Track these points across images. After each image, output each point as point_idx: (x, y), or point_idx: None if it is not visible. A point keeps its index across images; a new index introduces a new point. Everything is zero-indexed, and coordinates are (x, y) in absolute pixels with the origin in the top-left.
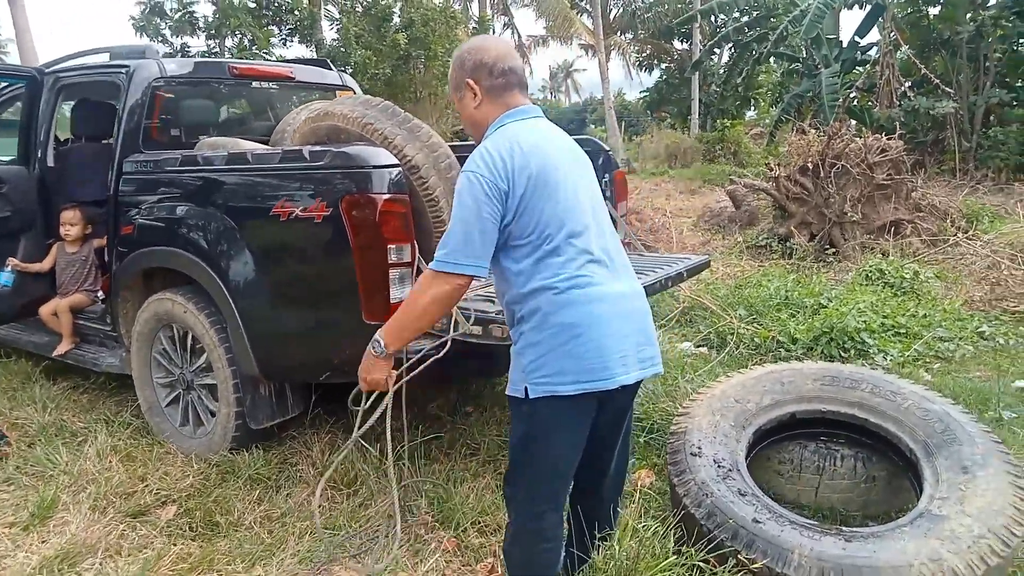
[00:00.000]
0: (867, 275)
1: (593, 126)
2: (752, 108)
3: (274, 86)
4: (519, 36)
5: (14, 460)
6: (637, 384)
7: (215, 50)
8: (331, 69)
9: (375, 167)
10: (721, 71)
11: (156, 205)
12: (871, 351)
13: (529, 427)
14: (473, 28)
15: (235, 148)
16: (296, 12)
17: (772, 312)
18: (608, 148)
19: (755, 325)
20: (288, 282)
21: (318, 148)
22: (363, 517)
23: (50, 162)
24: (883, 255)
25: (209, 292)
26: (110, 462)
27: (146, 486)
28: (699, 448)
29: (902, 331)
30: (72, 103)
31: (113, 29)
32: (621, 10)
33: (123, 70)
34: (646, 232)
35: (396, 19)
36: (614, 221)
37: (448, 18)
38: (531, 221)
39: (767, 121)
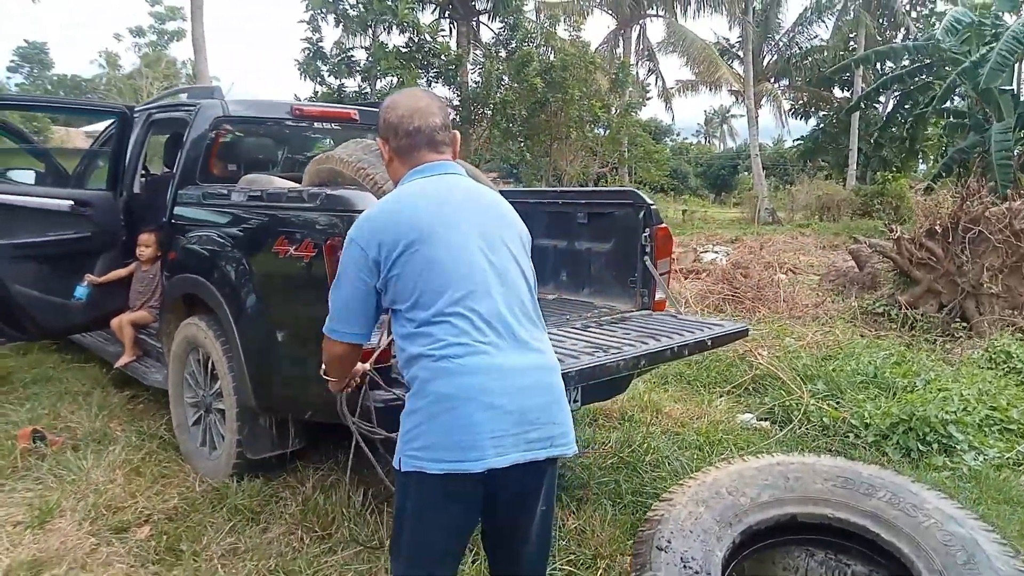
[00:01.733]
0: (991, 357)
1: (747, 173)
2: (922, 162)
3: (337, 127)
4: (663, 82)
5: (50, 461)
6: (542, 464)
7: (366, 91)
8: None
9: (359, 211)
10: (883, 120)
11: (193, 234)
12: (959, 447)
13: (402, 500)
14: (614, 74)
15: (264, 185)
16: (443, 56)
17: (854, 390)
18: (651, 202)
19: (829, 403)
20: (280, 318)
21: (314, 190)
22: (325, 565)
23: (136, 189)
24: None
25: (221, 321)
26: (116, 474)
27: (135, 502)
28: (668, 542)
29: (1012, 427)
30: (161, 137)
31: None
32: (775, 56)
33: (193, 108)
34: (752, 288)
35: (536, 63)
36: (651, 279)
37: (587, 63)
38: (408, 284)
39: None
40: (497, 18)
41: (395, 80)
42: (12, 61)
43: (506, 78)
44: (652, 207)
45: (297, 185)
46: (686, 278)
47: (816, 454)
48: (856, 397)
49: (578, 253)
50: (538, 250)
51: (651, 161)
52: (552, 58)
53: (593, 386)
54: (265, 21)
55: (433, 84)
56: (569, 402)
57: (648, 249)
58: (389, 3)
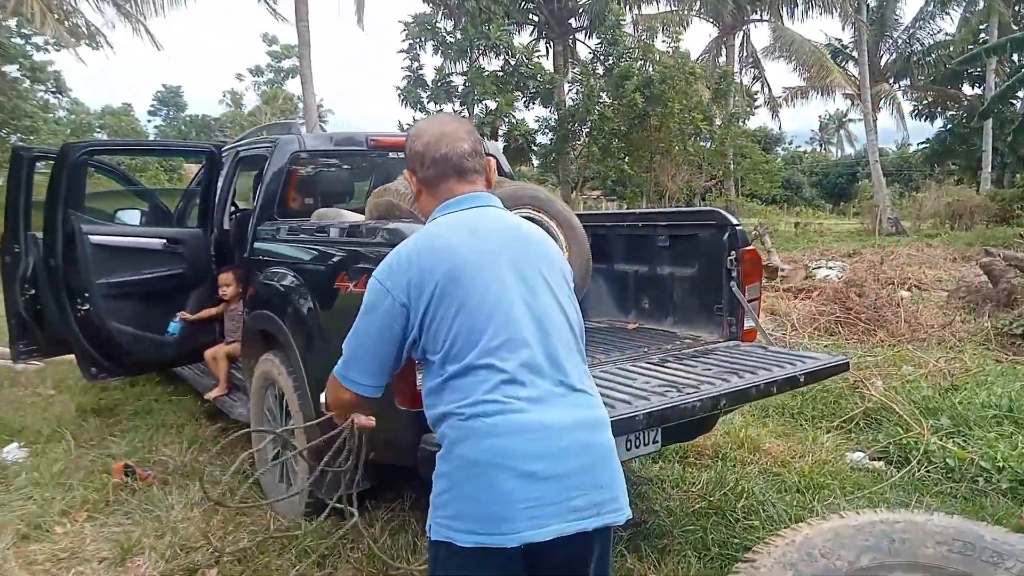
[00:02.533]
0: None
1: (867, 180)
2: None
3: None
4: (769, 89)
5: (140, 496)
6: (590, 534)
7: (463, 114)
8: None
9: None
10: (1020, 117)
11: (267, 270)
12: None
13: (433, 569)
14: (715, 84)
15: (332, 219)
16: (538, 77)
17: (985, 427)
18: (736, 222)
19: (955, 442)
20: None
21: (372, 224)
22: None
23: (226, 226)
24: None
25: (290, 357)
26: (194, 512)
27: (207, 542)
28: None
29: None
30: (249, 174)
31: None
32: (894, 55)
33: (271, 144)
34: (868, 309)
35: (635, 77)
36: (739, 306)
37: (687, 74)
38: (441, 333)
39: None
40: (594, 35)
41: (492, 104)
42: (152, 105)
43: (604, 95)
44: (738, 227)
45: (361, 218)
46: (796, 298)
47: (929, 509)
48: (987, 435)
49: (660, 279)
50: (618, 276)
51: (761, 172)
52: (651, 71)
53: (676, 426)
54: (379, 49)
55: (530, 105)
56: (648, 443)
57: (735, 273)
58: (483, 28)
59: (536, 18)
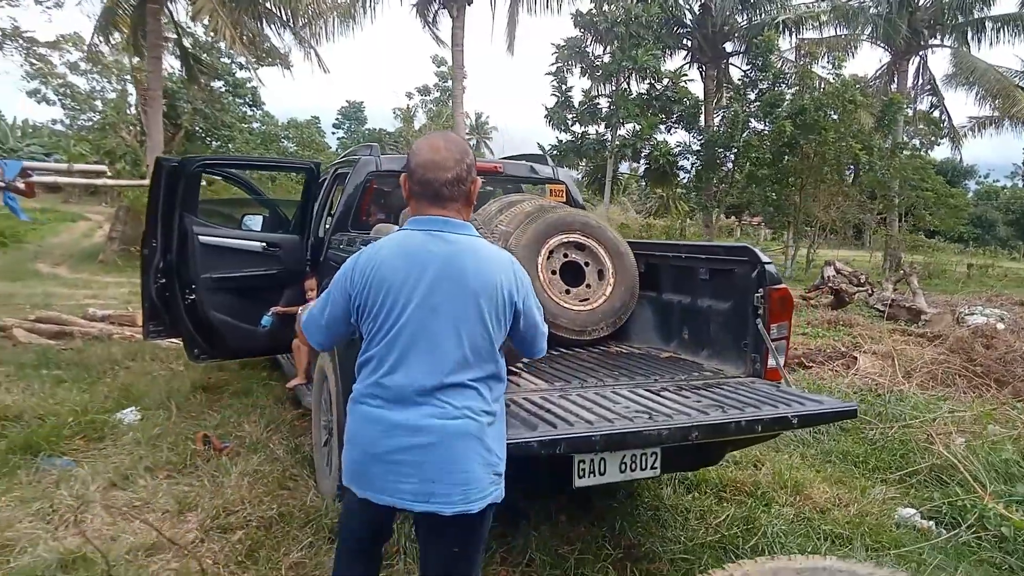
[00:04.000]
0: None
1: None
2: None
3: (482, 179)
4: (949, 118)
5: (213, 463)
6: (441, 519)
7: (605, 137)
8: (547, 164)
9: None
10: None
11: (330, 276)
12: None
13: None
14: (880, 112)
15: (383, 232)
16: (684, 102)
17: None
18: (766, 260)
19: (1021, 511)
20: None
21: None
22: None
23: (320, 234)
24: None
25: (336, 354)
26: (243, 481)
27: (244, 508)
28: None
29: None
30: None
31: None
32: None
33: (353, 162)
34: (995, 362)
35: (787, 104)
36: (761, 340)
37: (845, 102)
38: (363, 325)
39: None
40: (748, 59)
41: (635, 126)
42: (336, 119)
43: (753, 121)
44: (767, 265)
45: None
46: (930, 344)
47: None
48: None
49: (700, 311)
50: (664, 305)
51: (946, 207)
52: (805, 99)
53: (675, 454)
54: (527, 73)
55: (673, 129)
56: (645, 468)
57: (761, 311)
58: (631, 53)
59: (689, 43)
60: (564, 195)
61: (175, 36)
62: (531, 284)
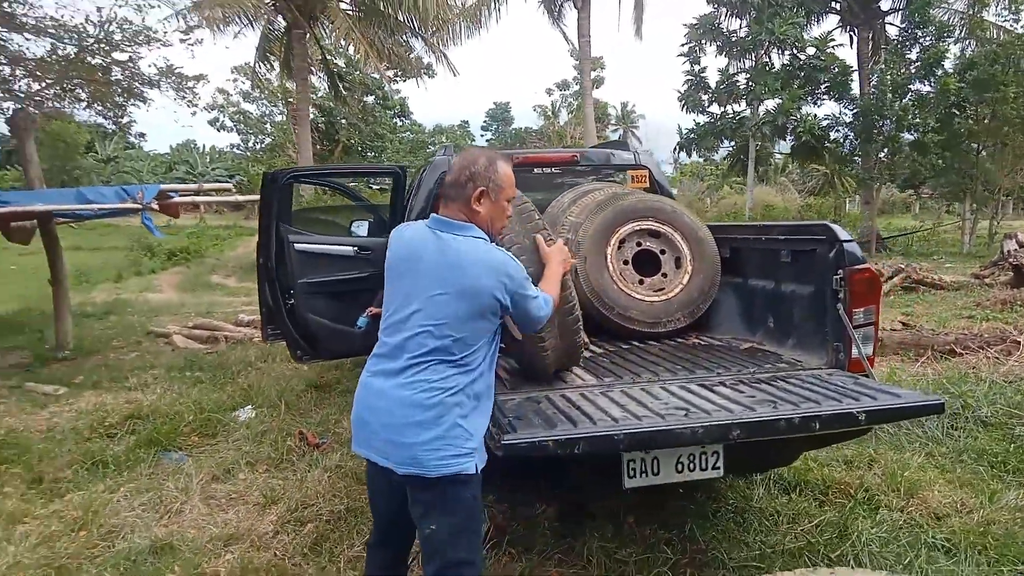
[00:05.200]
0: None
1: None
2: None
3: (557, 170)
4: None
5: (305, 460)
6: (411, 480)
7: (743, 115)
8: (627, 150)
9: None
10: None
11: None
12: None
13: None
14: None
15: None
16: (832, 70)
17: None
18: (847, 237)
19: None
20: None
21: None
22: None
23: None
24: None
25: None
26: (324, 476)
27: (319, 501)
28: None
29: None
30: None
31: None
32: None
33: (430, 164)
34: None
35: (951, 60)
36: (844, 329)
37: None
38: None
39: None
40: (906, 16)
41: (778, 101)
42: (484, 121)
43: (918, 82)
44: (847, 243)
45: None
46: None
47: None
48: None
49: (784, 297)
50: (748, 292)
51: None
52: (976, 52)
53: (742, 454)
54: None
55: (820, 102)
56: (707, 468)
57: (841, 295)
58: (768, 24)
59: (837, 5)
60: (647, 180)
61: (320, 58)
62: (524, 276)
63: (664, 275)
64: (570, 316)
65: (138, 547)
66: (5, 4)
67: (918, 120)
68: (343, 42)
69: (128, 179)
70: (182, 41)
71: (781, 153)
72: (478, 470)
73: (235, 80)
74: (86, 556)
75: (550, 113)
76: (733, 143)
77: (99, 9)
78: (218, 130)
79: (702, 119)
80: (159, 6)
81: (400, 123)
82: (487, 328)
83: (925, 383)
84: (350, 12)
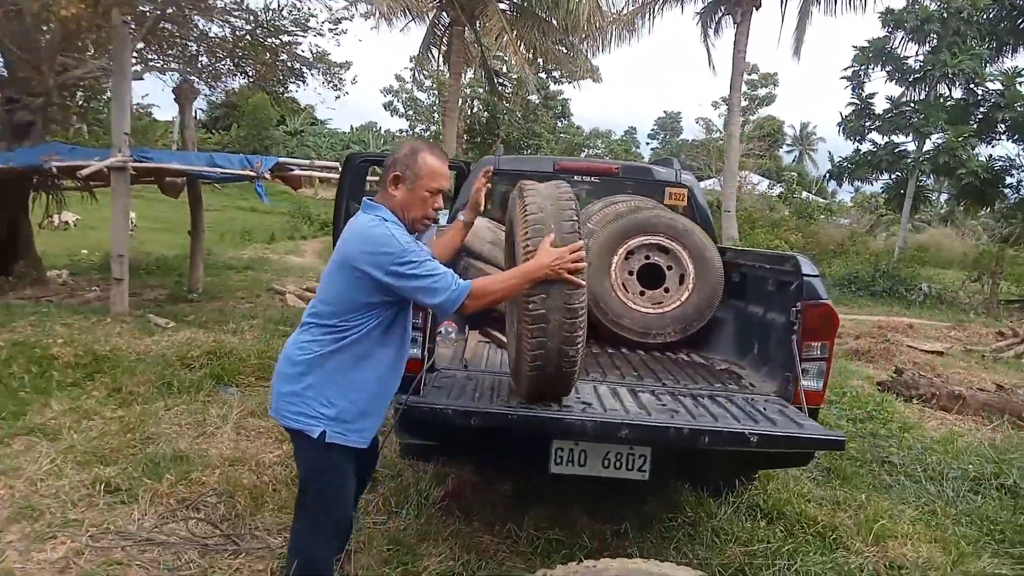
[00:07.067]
0: None
1: None
2: None
3: (596, 180)
4: None
5: None
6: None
7: (902, 148)
8: (670, 168)
9: None
10: None
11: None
12: None
13: None
14: None
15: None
16: (1016, 107)
17: None
18: (810, 272)
19: None
20: None
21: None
22: None
23: None
24: None
25: None
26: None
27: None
28: None
29: None
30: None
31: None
32: None
33: (472, 162)
34: None
35: None
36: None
37: None
38: None
39: None
40: None
41: (944, 137)
42: (652, 129)
43: None
44: (806, 278)
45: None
46: None
47: None
48: None
49: (765, 325)
50: (744, 316)
51: None
52: None
53: (669, 461)
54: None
55: (996, 142)
56: (632, 469)
57: (796, 327)
58: (941, 55)
59: None
60: (685, 199)
61: (480, 55)
62: (410, 257)
63: (666, 290)
64: (566, 338)
65: (162, 453)
66: None
67: None
68: (494, 40)
69: (308, 152)
70: (331, 31)
71: (948, 193)
72: (325, 438)
73: (410, 69)
74: (123, 453)
75: (713, 126)
76: (893, 176)
77: None
78: (391, 115)
79: (866, 147)
80: None
81: (560, 124)
82: (363, 302)
83: (973, 447)
84: (507, 12)
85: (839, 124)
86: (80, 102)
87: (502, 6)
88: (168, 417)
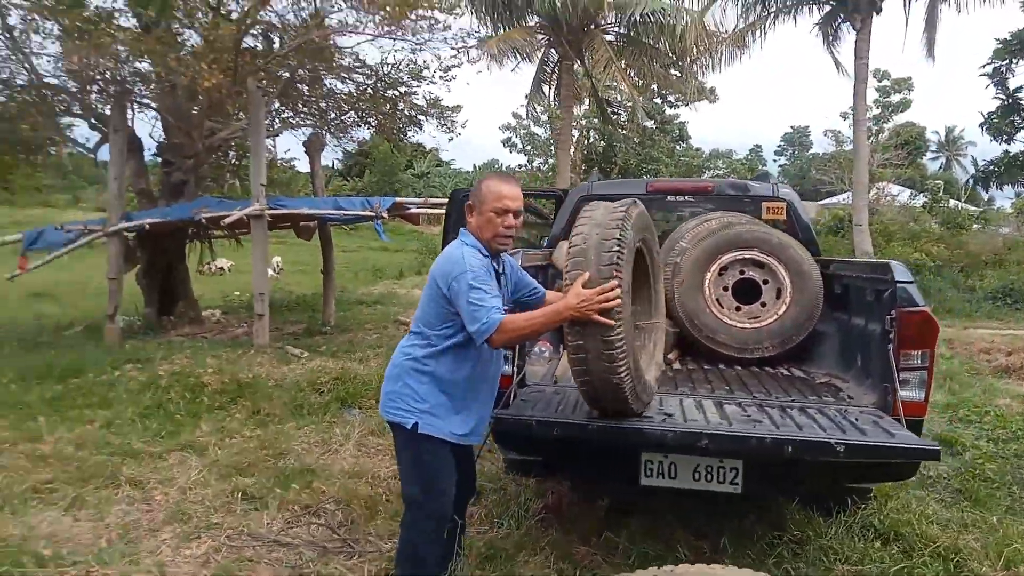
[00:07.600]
0: None
1: None
2: None
3: (691, 198)
4: None
5: None
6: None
7: None
8: (767, 182)
9: None
10: None
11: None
12: None
13: None
14: None
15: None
16: None
17: None
18: (904, 278)
19: None
20: None
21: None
22: None
23: None
24: None
25: None
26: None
27: None
28: None
29: None
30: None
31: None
32: None
33: (574, 187)
34: None
35: None
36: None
37: None
38: None
39: None
40: None
41: None
42: (779, 145)
43: None
44: (900, 284)
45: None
46: None
47: None
48: None
49: (866, 336)
50: (846, 329)
51: None
52: None
53: (763, 476)
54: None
55: None
56: (724, 482)
57: (891, 335)
58: None
59: None
60: (784, 213)
61: (590, 86)
62: (471, 282)
63: (763, 304)
64: (607, 367)
65: (292, 467)
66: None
67: None
68: (603, 71)
69: (434, 192)
70: (442, 78)
71: None
72: (418, 429)
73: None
74: (258, 466)
75: (844, 137)
76: None
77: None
78: (510, 151)
79: (1016, 148)
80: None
81: (678, 148)
82: (443, 312)
83: None
84: (613, 43)
85: (981, 124)
86: (232, 160)
87: (608, 37)
88: (298, 436)
